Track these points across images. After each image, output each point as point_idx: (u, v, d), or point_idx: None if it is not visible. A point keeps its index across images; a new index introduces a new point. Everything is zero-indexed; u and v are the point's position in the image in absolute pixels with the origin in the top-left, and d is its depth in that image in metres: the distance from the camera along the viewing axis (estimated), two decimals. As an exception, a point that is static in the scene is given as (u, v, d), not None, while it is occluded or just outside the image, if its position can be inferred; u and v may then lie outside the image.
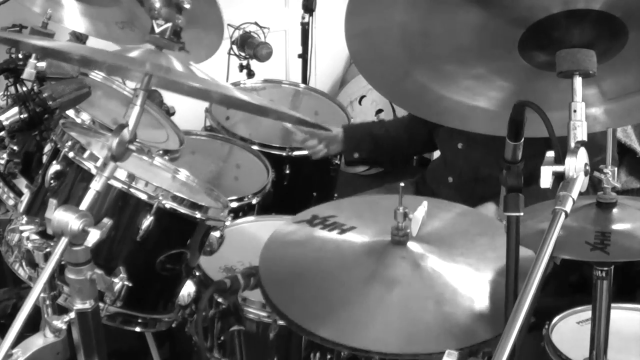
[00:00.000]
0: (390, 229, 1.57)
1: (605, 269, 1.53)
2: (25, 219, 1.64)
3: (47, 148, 1.77)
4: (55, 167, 1.61)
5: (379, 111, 3.98)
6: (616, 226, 1.54)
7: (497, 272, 1.52)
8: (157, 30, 1.31)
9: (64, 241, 1.21)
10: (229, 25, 2.83)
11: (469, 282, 1.52)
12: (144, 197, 1.57)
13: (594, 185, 1.60)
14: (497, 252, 1.54)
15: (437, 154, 2.73)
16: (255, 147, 2.59)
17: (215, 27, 1.91)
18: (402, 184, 1.55)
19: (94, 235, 1.23)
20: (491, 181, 2.24)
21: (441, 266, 1.54)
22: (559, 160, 1.05)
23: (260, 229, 2.11)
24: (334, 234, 1.65)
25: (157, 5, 1.30)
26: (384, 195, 2.13)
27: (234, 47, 3.04)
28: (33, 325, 1.37)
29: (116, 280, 1.56)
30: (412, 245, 1.57)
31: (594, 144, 1.17)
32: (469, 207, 1.83)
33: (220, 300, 1.72)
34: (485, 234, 1.67)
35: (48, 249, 1.53)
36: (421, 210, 1.57)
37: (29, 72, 1.87)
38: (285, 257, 1.64)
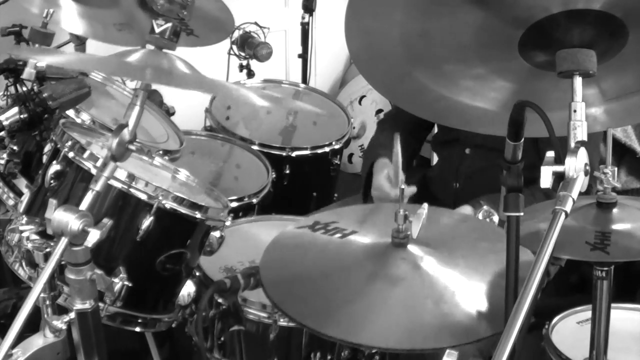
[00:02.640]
0: (391, 231, 1.58)
1: (605, 269, 1.53)
2: (25, 219, 1.64)
3: (47, 148, 1.77)
4: (55, 167, 1.61)
5: (379, 111, 3.98)
6: (616, 226, 1.54)
7: (496, 274, 1.53)
8: (157, 30, 1.31)
9: (64, 241, 1.21)
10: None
11: (468, 283, 1.52)
12: (144, 197, 1.57)
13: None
14: (497, 256, 1.54)
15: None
16: (255, 147, 2.59)
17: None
18: (402, 187, 1.55)
19: (94, 235, 1.23)
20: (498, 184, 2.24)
21: (441, 267, 1.54)
22: (559, 160, 1.05)
23: (260, 229, 2.11)
24: (336, 237, 1.66)
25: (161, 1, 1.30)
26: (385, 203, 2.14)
27: (234, 47, 3.04)
28: (33, 325, 1.37)
29: (116, 280, 1.56)
30: (412, 247, 1.57)
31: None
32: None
33: (220, 300, 1.72)
34: (486, 239, 1.67)
35: (48, 249, 1.53)
36: (421, 212, 1.57)
37: (29, 72, 1.87)
38: (287, 259, 1.65)
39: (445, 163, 2.55)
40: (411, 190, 2.21)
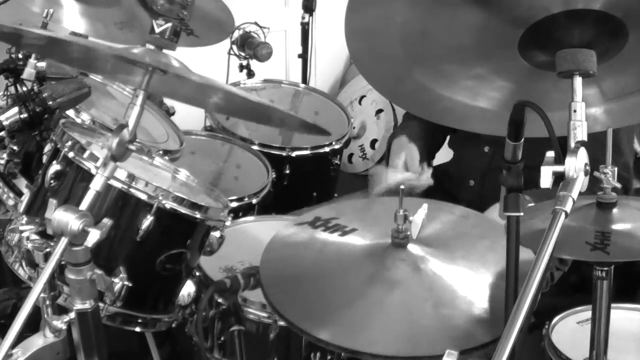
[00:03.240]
0: (391, 231, 1.58)
1: (605, 269, 1.53)
2: (25, 219, 1.64)
3: (47, 148, 1.77)
4: (55, 167, 1.61)
5: (379, 111, 3.98)
6: (616, 226, 1.54)
7: (497, 275, 1.52)
8: (157, 30, 1.31)
9: (64, 241, 1.21)
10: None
11: (469, 285, 1.52)
12: (144, 197, 1.57)
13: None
14: (498, 256, 1.54)
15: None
16: (255, 147, 2.59)
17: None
18: (402, 187, 1.55)
19: (94, 235, 1.23)
20: None
21: (441, 268, 1.54)
22: (559, 160, 1.05)
23: (260, 229, 2.11)
24: (336, 236, 1.65)
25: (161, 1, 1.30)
26: (387, 198, 2.12)
27: (234, 47, 3.04)
28: (33, 325, 1.37)
29: (116, 280, 1.56)
30: (412, 247, 1.57)
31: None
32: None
33: (220, 300, 1.72)
34: (487, 237, 1.66)
35: (48, 249, 1.53)
36: (421, 212, 1.57)
37: (29, 72, 1.87)
38: (286, 259, 1.64)
39: (462, 160, 2.54)
40: (428, 176, 2.22)
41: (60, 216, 1.22)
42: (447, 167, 2.61)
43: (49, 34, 1.44)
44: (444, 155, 2.68)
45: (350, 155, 4.05)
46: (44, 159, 1.77)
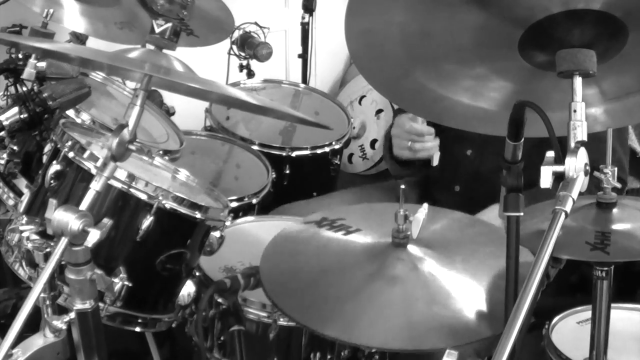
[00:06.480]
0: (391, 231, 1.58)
1: (605, 269, 1.53)
2: (25, 219, 1.64)
3: (47, 148, 1.77)
4: (55, 167, 1.61)
5: (379, 111, 3.98)
6: (616, 226, 1.54)
7: (495, 277, 1.53)
8: (157, 30, 1.31)
9: (64, 241, 1.22)
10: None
11: (466, 286, 1.53)
12: (144, 197, 1.57)
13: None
14: (498, 261, 1.54)
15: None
16: (255, 147, 2.59)
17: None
18: (402, 186, 1.55)
19: (94, 235, 1.23)
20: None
21: (437, 270, 1.55)
22: (559, 160, 1.06)
23: (260, 229, 2.11)
24: (339, 234, 1.67)
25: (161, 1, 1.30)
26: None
27: (234, 47, 3.04)
28: (33, 325, 1.37)
29: (116, 280, 1.56)
30: (412, 247, 1.58)
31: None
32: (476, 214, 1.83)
33: (220, 300, 1.72)
34: (490, 243, 1.67)
35: (48, 249, 1.53)
36: (422, 212, 1.57)
37: (29, 72, 1.87)
38: (287, 256, 1.65)
39: (446, 164, 2.53)
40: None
41: (60, 216, 1.22)
42: (431, 172, 2.58)
43: (44, 46, 1.44)
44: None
45: (350, 155, 4.05)
46: (44, 159, 1.77)
